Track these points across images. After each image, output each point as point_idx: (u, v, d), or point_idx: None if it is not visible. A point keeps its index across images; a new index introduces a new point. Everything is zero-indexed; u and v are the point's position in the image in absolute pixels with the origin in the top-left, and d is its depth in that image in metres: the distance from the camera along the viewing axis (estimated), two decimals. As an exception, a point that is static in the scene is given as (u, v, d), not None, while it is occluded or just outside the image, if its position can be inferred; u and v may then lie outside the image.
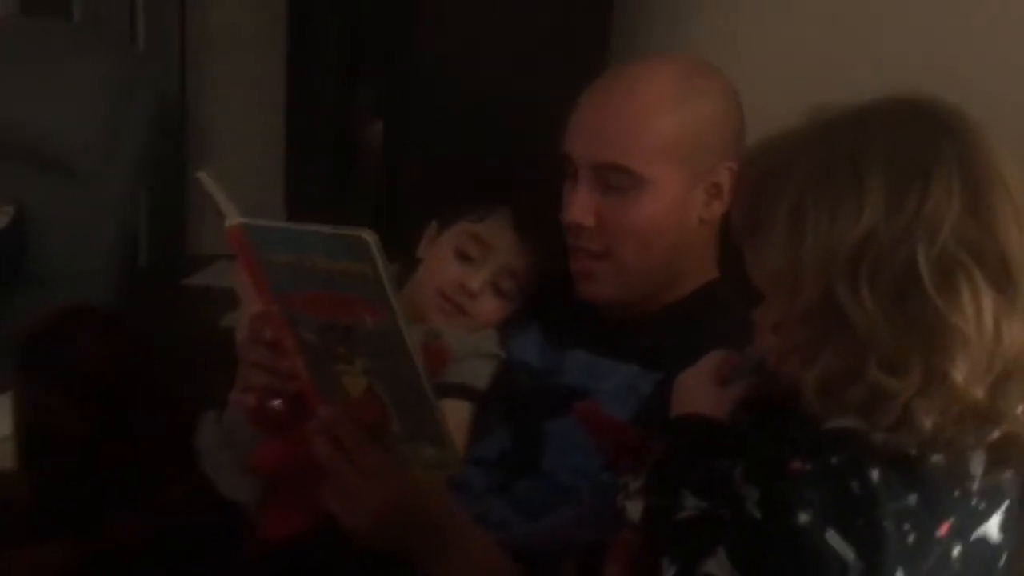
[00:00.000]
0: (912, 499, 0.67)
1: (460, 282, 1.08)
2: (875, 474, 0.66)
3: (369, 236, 0.71)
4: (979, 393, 0.66)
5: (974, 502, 0.70)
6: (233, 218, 0.78)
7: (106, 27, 2.24)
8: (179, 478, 1.07)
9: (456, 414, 1.03)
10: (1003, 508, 0.72)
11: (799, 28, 1.56)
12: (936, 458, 0.67)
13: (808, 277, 0.68)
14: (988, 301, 0.66)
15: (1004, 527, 0.73)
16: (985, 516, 0.72)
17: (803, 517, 0.66)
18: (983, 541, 0.72)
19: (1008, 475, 0.71)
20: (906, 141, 0.68)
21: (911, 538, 0.67)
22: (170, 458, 1.09)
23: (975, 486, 0.69)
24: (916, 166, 0.67)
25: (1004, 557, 0.74)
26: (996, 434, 0.68)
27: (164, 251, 2.34)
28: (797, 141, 0.72)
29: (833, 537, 0.66)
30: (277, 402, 0.95)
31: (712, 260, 1.09)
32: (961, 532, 0.70)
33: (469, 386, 1.05)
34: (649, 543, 0.74)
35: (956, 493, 0.69)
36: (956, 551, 0.70)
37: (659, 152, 1.00)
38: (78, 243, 1.87)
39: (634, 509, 0.76)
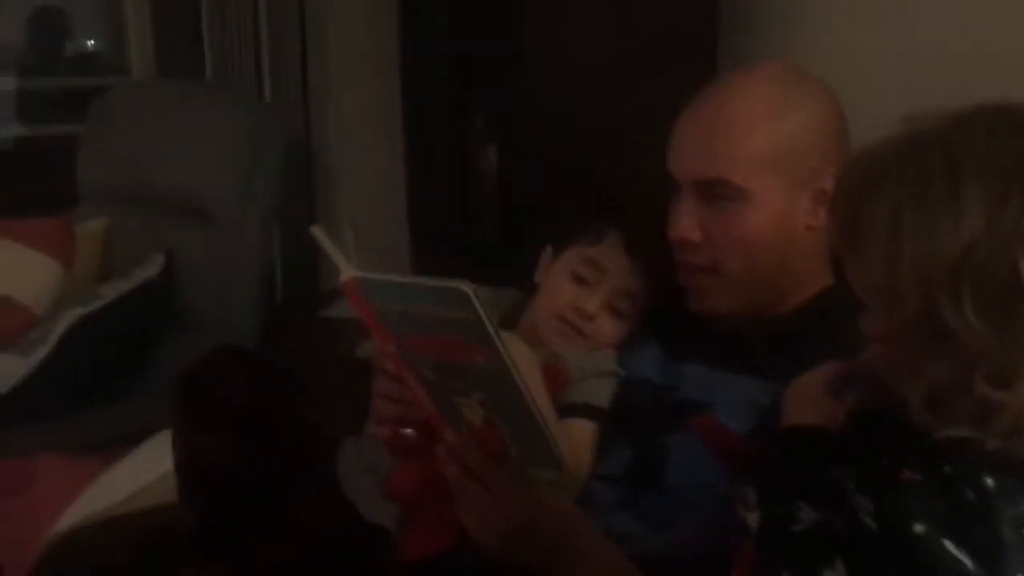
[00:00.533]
0: None
1: (576, 305, 1.10)
2: (990, 481, 0.66)
3: (467, 287, 0.73)
4: None
5: None
6: (345, 272, 0.82)
7: (236, 82, 2.37)
8: (323, 502, 1.13)
9: (580, 433, 1.06)
10: None
11: (907, 35, 1.52)
12: None
13: (909, 290, 0.67)
14: None
15: None
16: None
17: (919, 527, 0.66)
18: None
19: None
20: (1002, 150, 0.67)
21: None
22: (314, 484, 1.15)
23: None
24: (1013, 175, 0.66)
25: None
26: None
27: (299, 286, 2.46)
28: (893, 152, 0.71)
29: (951, 546, 0.65)
30: (409, 430, 1.00)
31: (825, 266, 1.08)
32: None
33: (592, 406, 1.07)
34: (766, 554, 0.74)
35: None
36: None
37: (759, 164, 1.01)
38: (221, 286, 1.96)
39: (755, 521, 0.77)
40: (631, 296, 1.11)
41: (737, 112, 1.02)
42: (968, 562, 0.65)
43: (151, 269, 1.94)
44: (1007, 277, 0.65)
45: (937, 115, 0.72)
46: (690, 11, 1.75)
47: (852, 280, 0.74)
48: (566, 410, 1.05)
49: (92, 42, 2.78)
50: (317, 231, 0.90)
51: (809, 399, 0.80)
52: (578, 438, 1.05)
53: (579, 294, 1.11)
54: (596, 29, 1.72)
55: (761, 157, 1.01)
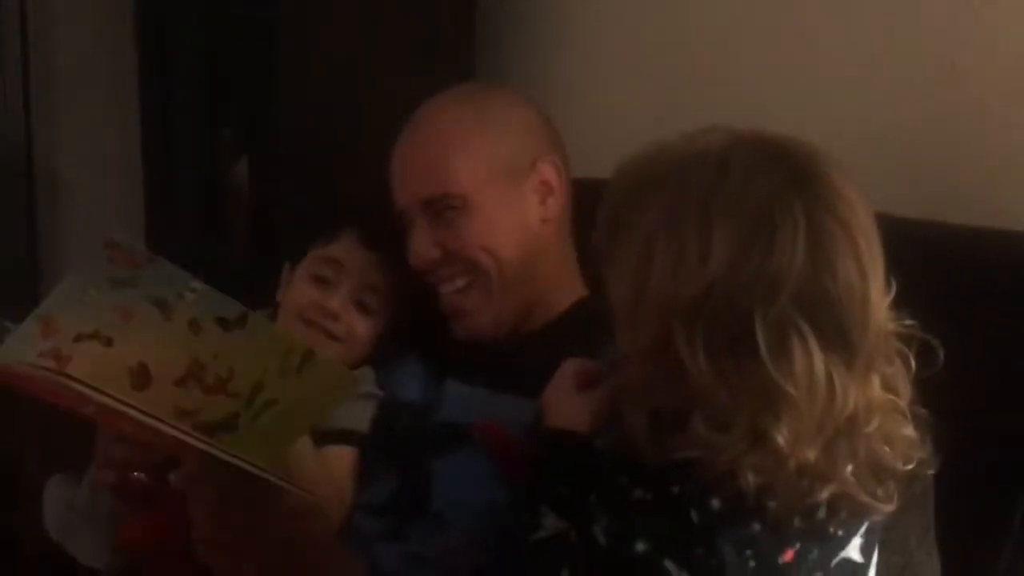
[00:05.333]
0: (756, 527, 0.66)
1: (319, 304, 1.05)
2: (716, 503, 0.65)
3: None
4: (811, 455, 0.65)
5: (832, 530, 0.69)
6: None
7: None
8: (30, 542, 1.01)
9: (340, 461, 0.99)
10: (862, 531, 0.72)
11: (659, 55, 1.60)
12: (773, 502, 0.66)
13: (649, 318, 0.67)
14: (821, 364, 0.64)
15: (864, 549, 0.72)
16: (844, 542, 0.71)
17: (640, 546, 0.65)
18: (846, 562, 0.71)
19: (844, 515, 0.70)
20: (757, 193, 0.66)
21: (752, 564, 0.66)
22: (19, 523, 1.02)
23: (822, 513, 0.68)
24: (763, 221, 0.65)
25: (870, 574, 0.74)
26: (825, 494, 0.66)
27: (16, 305, 2.20)
28: (660, 171, 0.70)
29: (671, 566, 0.65)
30: (140, 474, 0.90)
31: (576, 272, 1.10)
32: (824, 559, 0.69)
33: (349, 430, 1.00)
34: (505, 559, 0.72)
35: (798, 522, 0.67)
36: None
37: (472, 171, 1.04)
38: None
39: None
40: (376, 290, 1.07)
41: (441, 131, 1.07)
42: None
43: None
44: (740, 324, 0.64)
45: (711, 136, 0.71)
46: (446, 21, 1.75)
47: (608, 293, 0.73)
48: (324, 437, 0.98)
49: None
50: None
51: (559, 400, 0.79)
52: (338, 466, 0.98)
53: (321, 294, 1.06)
54: (350, 39, 1.69)
55: (475, 163, 1.04)
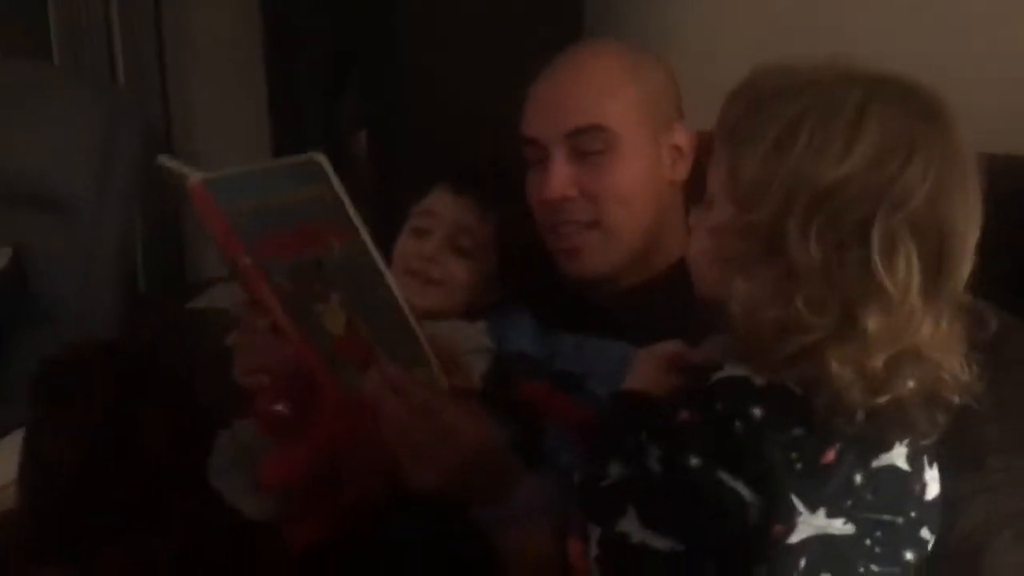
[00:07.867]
0: (798, 431, 0.70)
1: (417, 252, 1.10)
2: (757, 411, 0.70)
3: (319, 157, 0.75)
4: (879, 361, 0.68)
5: (869, 433, 0.72)
6: (194, 177, 0.79)
7: (86, 65, 2.25)
8: (195, 497, 1.08)
9: None
10: (906, 442, 0.75)
11: (768, 17, 1.58)
12: (818, 400, 0.70)
13: (772, 196, 0.70)
14: (917, 280, 0.68)
15: (912, 459, 0.75)
16: (880, 444, 0.74)
17: (694, 461, 0.70)
18: (891, 469, 0.75)
19: (883, 422, 0.72)
20: (904, 116, 0.71)
21: (799, 466, 0.70)
22: (184, 479, 1.09)
23: (860, 416, 0.71)
24: (905, 140, 0.69)
25: (921, 487, 0.77)
26: (883, 400, 0.70)
27: (164, 277, 2.36)
28: (815, 76, 0.73)
29: (726, 477, 0.69)
30: (280, 406, 0.96)
31: (686, 230, 1.09)
32: (861, 460, 0.73)
33: (465, 389, 1.04)
34: (581, 510, 0.77)
35: (839, 423, 0.71)
36: (859, 478, 0.73)
37: (628, 112, 1.05)
38: (78, 279, 1.87)
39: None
40: (470, 231, 1.10)
41: (601, 70, 1.07)
42: (744, 491, 0.70)
43: (-4, 263, 1.82)
44: (858, 222, 0.68)
45: (849, 62, 0.75)
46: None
47: (715, 171, 0.76)
48: None
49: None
50: (163, 157, 0.88)
51: (647, 369, 0.83)
52: None
53: (419, 243, 1.11)
54: (468, 9, 1.72)
55: (629, 106, 1.05)
